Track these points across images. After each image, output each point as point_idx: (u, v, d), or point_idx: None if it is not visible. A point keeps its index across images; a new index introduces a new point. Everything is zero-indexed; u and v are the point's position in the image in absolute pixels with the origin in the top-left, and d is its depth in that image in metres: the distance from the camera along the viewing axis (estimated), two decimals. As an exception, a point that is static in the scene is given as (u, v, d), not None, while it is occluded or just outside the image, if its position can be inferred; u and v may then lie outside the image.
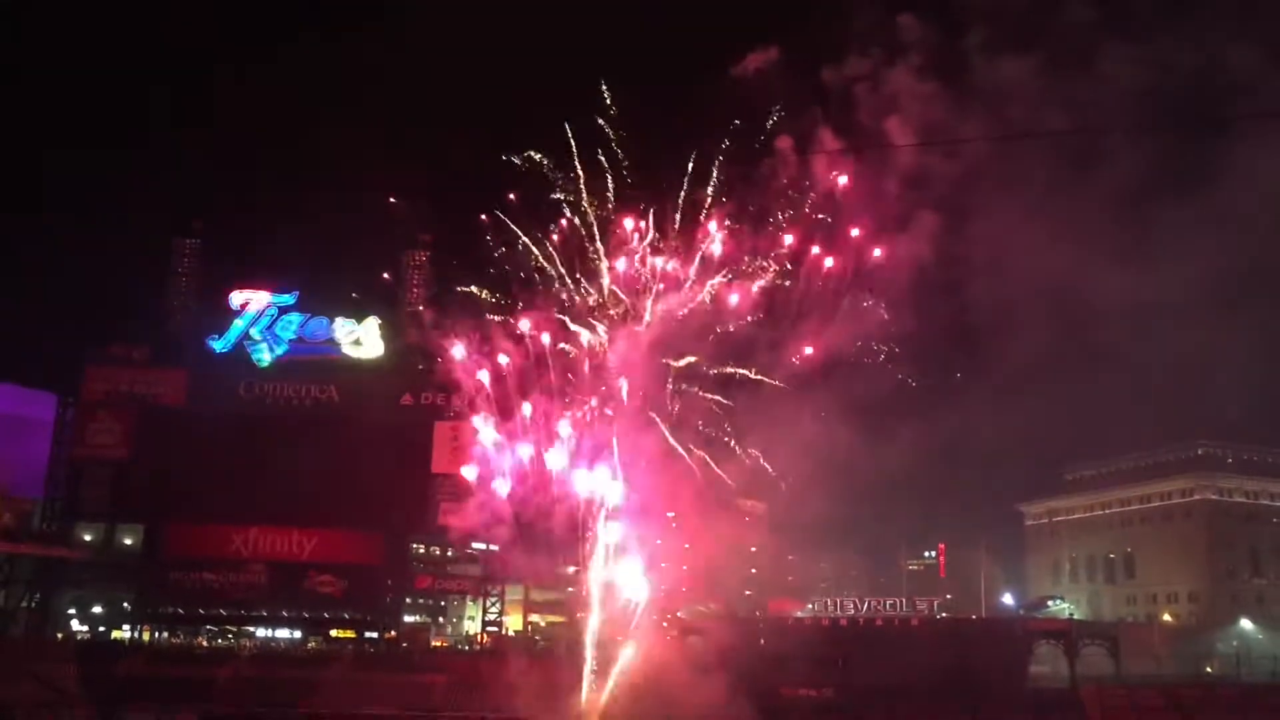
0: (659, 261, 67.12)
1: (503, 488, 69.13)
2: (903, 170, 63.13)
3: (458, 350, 72.68)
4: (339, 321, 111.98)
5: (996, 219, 67.38)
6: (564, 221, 68.06)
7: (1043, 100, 64.62)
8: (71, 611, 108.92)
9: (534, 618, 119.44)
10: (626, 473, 65.95)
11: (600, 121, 65.91)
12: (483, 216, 69.55)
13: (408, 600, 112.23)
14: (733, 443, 67.40)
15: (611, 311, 67.77)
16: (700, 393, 66.70)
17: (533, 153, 67.49)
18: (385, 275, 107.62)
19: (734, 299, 66.88)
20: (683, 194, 66.27)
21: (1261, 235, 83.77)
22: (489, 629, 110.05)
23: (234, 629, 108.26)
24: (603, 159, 66.83)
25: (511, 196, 68.96)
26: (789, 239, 66.51)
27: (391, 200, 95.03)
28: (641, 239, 66.99)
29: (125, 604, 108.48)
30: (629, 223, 67.18)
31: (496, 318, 70.15)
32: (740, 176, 65.27)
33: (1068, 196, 72.82)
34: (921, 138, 61.49)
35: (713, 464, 66.84)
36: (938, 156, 62.80)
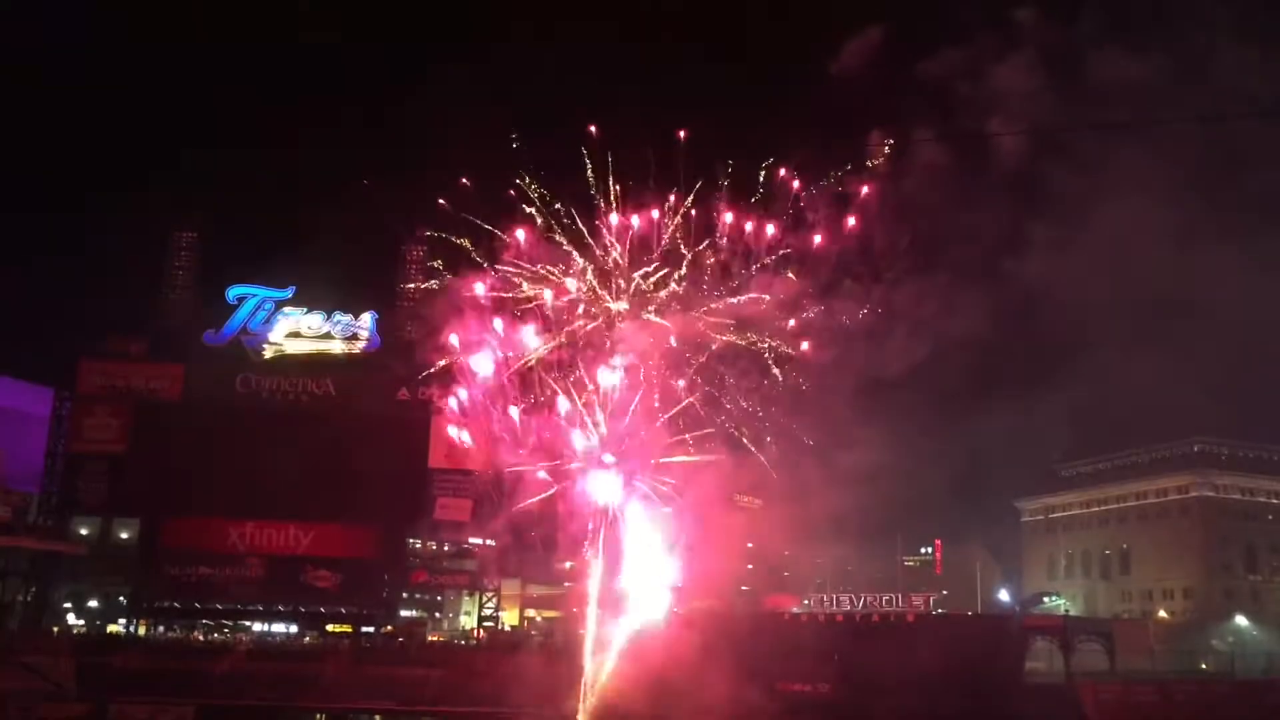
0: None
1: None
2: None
3: (454, 338, 71.38)
4: (336, 316, 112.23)
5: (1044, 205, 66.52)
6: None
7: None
8: (68, 605, 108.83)
9: (530, 613, 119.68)
10: (632, 470, 65.45)
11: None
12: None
13: (404, 595, 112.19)
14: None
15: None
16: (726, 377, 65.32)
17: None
18: (383, 268, 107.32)
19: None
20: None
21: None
22: (485, 624, 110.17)
23: (230, 623, 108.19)
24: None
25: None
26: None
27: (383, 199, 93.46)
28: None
29: (121, 598, 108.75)
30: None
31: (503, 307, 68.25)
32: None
33: (1127, 183, 71.30)
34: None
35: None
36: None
